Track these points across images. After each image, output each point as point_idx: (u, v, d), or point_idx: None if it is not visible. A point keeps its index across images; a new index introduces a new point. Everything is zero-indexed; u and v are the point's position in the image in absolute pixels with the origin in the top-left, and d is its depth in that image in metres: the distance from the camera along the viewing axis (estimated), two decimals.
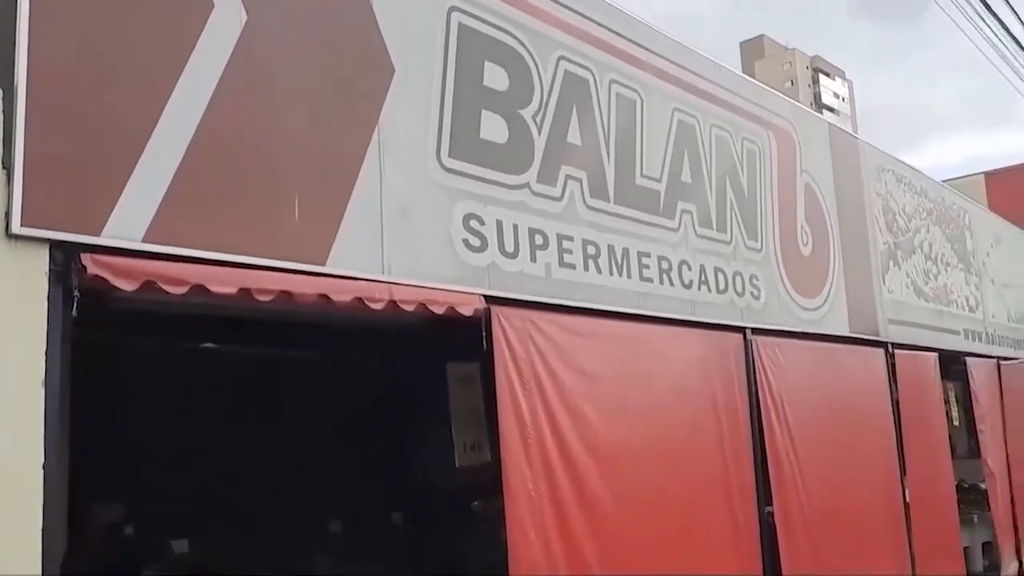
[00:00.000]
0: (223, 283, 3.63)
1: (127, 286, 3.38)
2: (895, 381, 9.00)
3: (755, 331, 6.95)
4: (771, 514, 6.77)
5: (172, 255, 3.57)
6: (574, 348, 5.32)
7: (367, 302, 4.19)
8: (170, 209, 3.58)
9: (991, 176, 22.67)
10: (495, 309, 4.83)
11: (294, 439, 6.53)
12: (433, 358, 6.24)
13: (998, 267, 12.47)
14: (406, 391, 6.81)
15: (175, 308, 4.11)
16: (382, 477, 6.95)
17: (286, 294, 3.87)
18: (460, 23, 5.03)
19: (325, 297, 4.02)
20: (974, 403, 10.81)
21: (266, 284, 3.79)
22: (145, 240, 3.51)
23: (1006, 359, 11.88)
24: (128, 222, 3.47)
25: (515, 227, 5.11)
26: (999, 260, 12.57)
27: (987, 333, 11.65)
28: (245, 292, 3.71)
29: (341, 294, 4.09)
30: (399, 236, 4.48)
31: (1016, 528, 11.19)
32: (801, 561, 6.82)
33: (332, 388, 6.88)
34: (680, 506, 5.92)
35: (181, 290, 3.52)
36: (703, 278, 6.54)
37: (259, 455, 6.36)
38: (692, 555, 5.96)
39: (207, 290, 3.57)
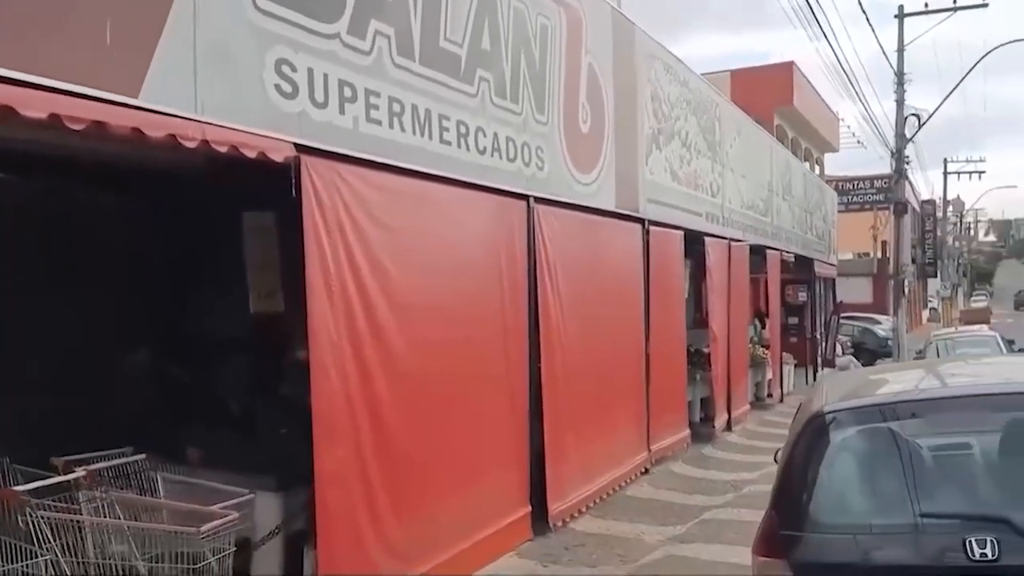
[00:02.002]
0: (33, 107, 3.42)
1: None
2: (648, 255, 9.99)
3: (538, 200, 7.44)
4: (539, 368, 7.47)
5: None
6: (376, 202, 5.50)
7: (181, 140, 4.10)
8: None
9: (736, 73, 24.83)
10: (305, 159, 4.87)
11: (75, 285, 6.21)
12: (227, 207, 6.13)
13: (738, 157, 13.88)
14: (200, 239, 6.65)
15: None
16: (168, 324, 6.83)
17: (98, 124, 3.71)
18: None
19: (138, 131, 3.89)
20: (707, 278, 12.24)
21: (79, 112, 3.61)
22: None
23: (735, 240, 13.43)
24: None
25: (325, 77, 5.11)
26: (739, 151, 13.99)
27: (723, 217, 13.07)
28: (55, 118, 3.52)
29: (155, 129, 3.97)
30: (212, 75, 4.36)
31: (728, 387, 12.98)
32: (559, 406, 7.62)
33: (116, 234, 6.56)
34: (464, 351, 6.40)
35: None
36: (496, 146, 6.87)
37: (34, 302, 6.02)
38: (471, 392, 6.51)
39: (16, 113, 3.36)
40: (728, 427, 12.85)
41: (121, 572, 4.45)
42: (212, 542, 4.47)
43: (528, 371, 7.33)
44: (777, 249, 16.21)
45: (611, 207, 8.99)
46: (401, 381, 5.63)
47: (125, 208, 6.56)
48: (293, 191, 4.78)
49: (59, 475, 4.77)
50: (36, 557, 3.96)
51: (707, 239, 12.05)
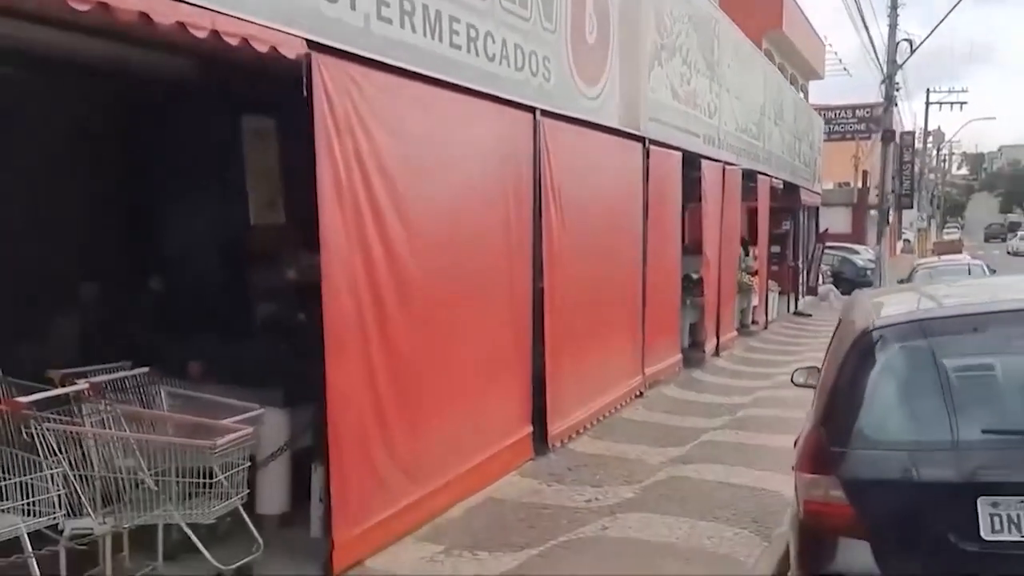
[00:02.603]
0: None
1: None
2: (647, 176, 9.77)
3: (544, 113, 7.16)
4: (542, 288, 7.31)
5: None
6: (386, 107, 5.22)
7: (190, 29, 3.79)
8: None
9: None
10: (316, 57, 4.56)
11: (66, 192, 5.89)
12: (225, 108, 5.81)
13: (734, 79, 13.58)
14: (199, 147, 6.30)
15: None
16: (165, 235, 6.53)
17: (103, 6, 3.40)
18: None
19: (145, 16, 3.59)
20: (702, 201, 12.05)
21: None
22: None
23: (729, 164, 13.22)
24: None
25: None
26: (735, 72, 13.69)
27: (719, 139, 12.83)
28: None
29: (163, 16, 3.66)
30: None
31: (718, 313, 12.93)
32: (559, 326, 7.49)
33: (111, 141, 6.22)
34: (470, 267, 6.22)
35: None
36: (504, 53, 6.56)
37: (25, 208, 5.72)
38: (477, 309, 6.35)
39: None
40: (716, 352, 12.85)
41: (130, 486, 4.27)
42: (224, 457, 4.31)
43: (531, 289, 7.16)
44: (768, 175, 16.04)
45: (614, 124, 8.74)
46: (409, 295, 5.44)
47: (122, 116, 6.20)
48: (304, 91, 4.49)
49: (57, 388, 4.56)
50: (43, 470, 3.75)
51: (703, 162, 11.83)
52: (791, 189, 18.91)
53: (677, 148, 10.69)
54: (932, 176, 46.85)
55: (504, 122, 6.68)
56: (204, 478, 4.32)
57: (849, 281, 27.22)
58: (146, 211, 6.56)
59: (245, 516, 4.63)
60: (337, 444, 4.79)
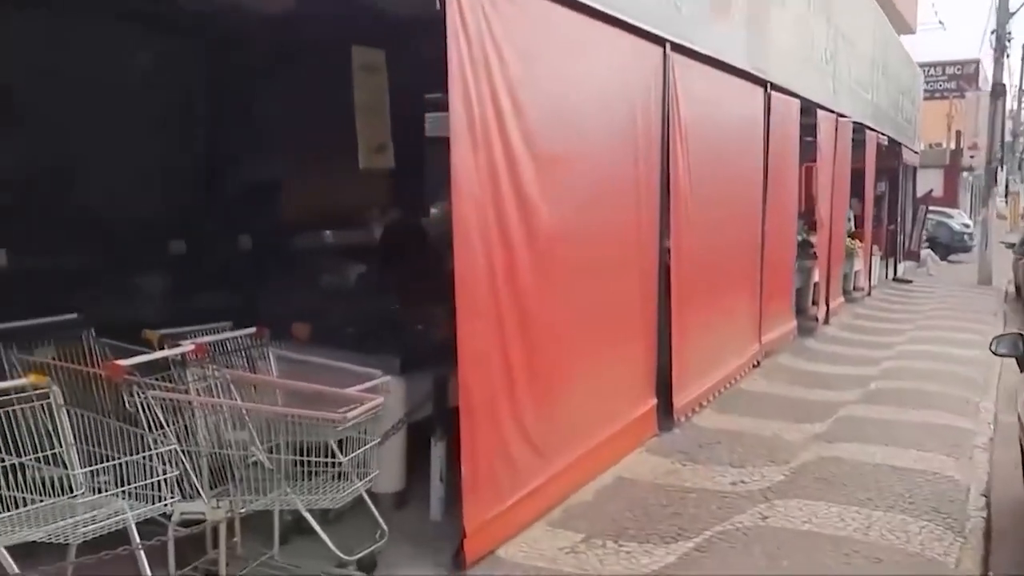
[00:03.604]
0: None
1: None
2: (768, 124, 8.91)
3: (674, 47, 6.37)
4: (668, 250, 6.59)
5: None
6: (518, 28, 4.51)
7: None
8: None
9: None
10: None
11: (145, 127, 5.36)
12: (330, 39, 5.15)
13: (849, 23, 12.50)
14: (301, 81, 5.67)
15: None
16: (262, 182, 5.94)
17: None
18: None
19: None
20: (817, 155, 11.11)
21: None
22: None
23: (841, 116, 12.19)
24: None
25: None
26: (849, 17, 12.58)
27: (833, 88, 11.81)
28: None
29: None
30: None
31: (828, 277, 12.01)
32: (685, 287, 6.76)
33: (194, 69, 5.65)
34: (599, 216, 5.52)
35: None
36: None
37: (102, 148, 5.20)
38: (606, 264, 5.65)
39: None
40: (826, 320, 11.94)
41: (241, 464, 3.69)
42: (347, 431, 3.71)
43: (659, 245, 6.44)
44: (875, 130, 14.92)
45: (741, 64, 7.88)
46: (540, 247, 4.75)
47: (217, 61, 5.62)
48: (437, 3, 3.81)
49: (155, 350, 4.00)
50: (152, 448, 3.16)
51: (819, 112, 10.87)
52: (891, 147, 17.69)
53: (795, 95, 9.76)
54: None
55: (634, 54, 5.93)
56: (322, 456, 3.74)
57: (944, 246, 25.85)
58: (242, 160, 5.96)
59: (366, 497, 4.04)
60: (469, 416, 4.16)
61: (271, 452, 3.82)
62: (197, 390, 3.82)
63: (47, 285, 4.98)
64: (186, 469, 3.40)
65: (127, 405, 3.30)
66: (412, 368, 4.79)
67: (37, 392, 3.13)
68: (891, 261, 19.10)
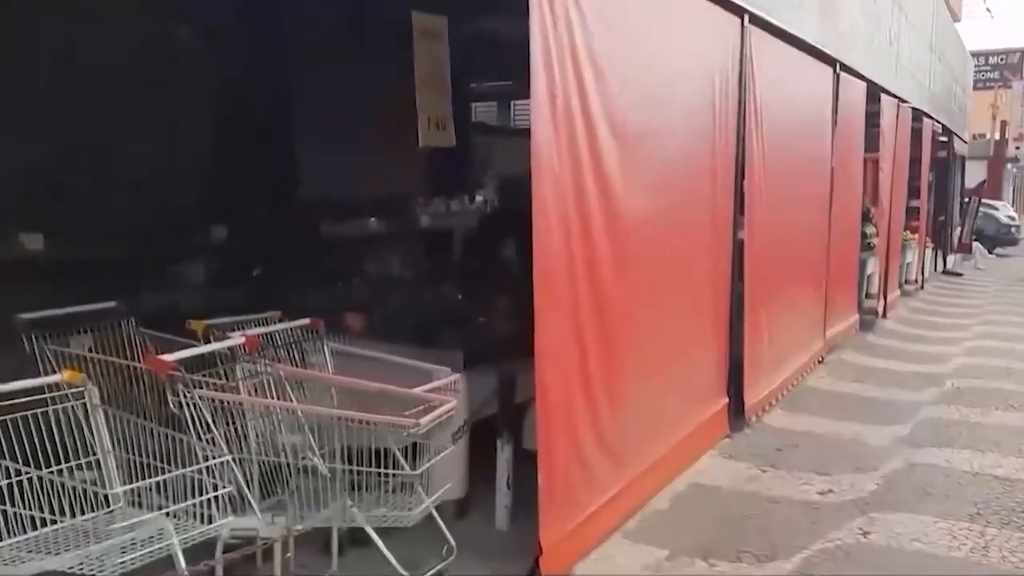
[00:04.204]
0: None
1: None
2: (836, 107, 8.39)
3: (752, 20, 5.89)
4: (741, 240, 6.13)
5: None
6: None
7: None
8: None
9: None
10: None
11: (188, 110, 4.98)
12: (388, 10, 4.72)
13: (910, 4, 11.91)
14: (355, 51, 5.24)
15: None
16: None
17: None
18: None
19: None
20: (881, 140, 10.55)
21: None
22: None
23: (902, 102, 11.63)
24: None
25: None
26: None
27: (896, 72, 11.24)
28: None
29: None
30: None
31: (886, 270, 11.46)
32: (757, 278, 6.32)
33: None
34: (675, 200, 5.05)
35: None
36: None
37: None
38: (681, 251, 5.23)
39: None
40: (884, 314, 11.39)
41: (295, 473, 3.27)
42: (413, 438, 3.28)
43: (733, 232, 5.98)
44: (932, 118, 14.29)
45: (814, 40, 7.36)
46: (618, 232, 4.29)
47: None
48: None
49: (201, 343, 3.59)
50: (201, 458, 2.70)
51: (883, 97, 10.31)
52: (943, 136, 17.01)
53: (863, 77, 9.22)
54: None
55: (714, 25, 5.48)
56: (373, 463, 3.30)
57: (990, 238, 25.03)
58: (294, 138, 5.56)
59: (433, 510, 3.62)
60: (547, 417, 3.73)
61: (328, 459, 3.41)
62: (248, 388, 3.40)
63: (84, 272, 4.61)
64: (237, 480, 2.97)
65: (171, 405, 2.89)
66: (476, 364, 4.36)
67: (72, 391, 2.72)
68: (939, 253, 18.44)
